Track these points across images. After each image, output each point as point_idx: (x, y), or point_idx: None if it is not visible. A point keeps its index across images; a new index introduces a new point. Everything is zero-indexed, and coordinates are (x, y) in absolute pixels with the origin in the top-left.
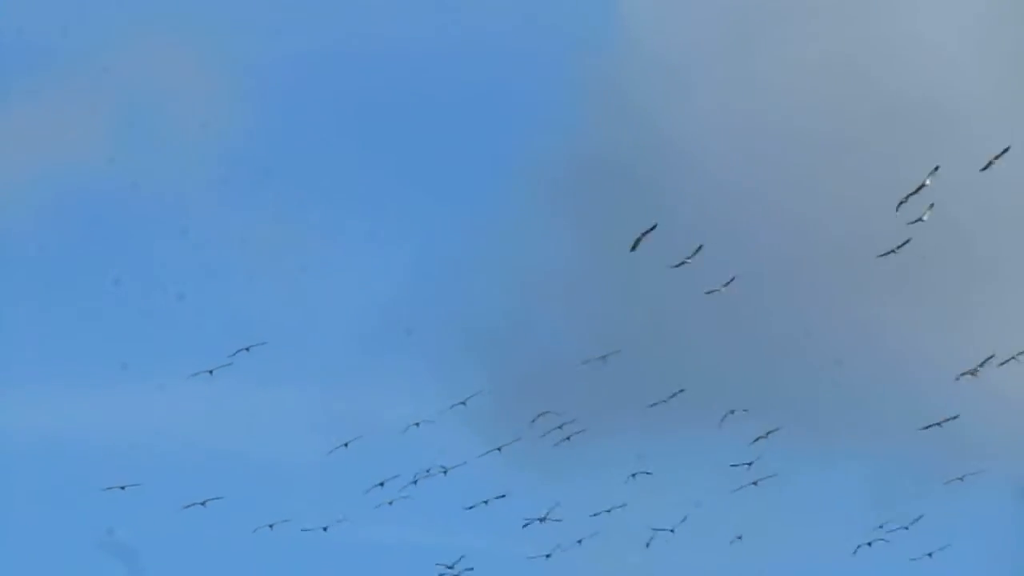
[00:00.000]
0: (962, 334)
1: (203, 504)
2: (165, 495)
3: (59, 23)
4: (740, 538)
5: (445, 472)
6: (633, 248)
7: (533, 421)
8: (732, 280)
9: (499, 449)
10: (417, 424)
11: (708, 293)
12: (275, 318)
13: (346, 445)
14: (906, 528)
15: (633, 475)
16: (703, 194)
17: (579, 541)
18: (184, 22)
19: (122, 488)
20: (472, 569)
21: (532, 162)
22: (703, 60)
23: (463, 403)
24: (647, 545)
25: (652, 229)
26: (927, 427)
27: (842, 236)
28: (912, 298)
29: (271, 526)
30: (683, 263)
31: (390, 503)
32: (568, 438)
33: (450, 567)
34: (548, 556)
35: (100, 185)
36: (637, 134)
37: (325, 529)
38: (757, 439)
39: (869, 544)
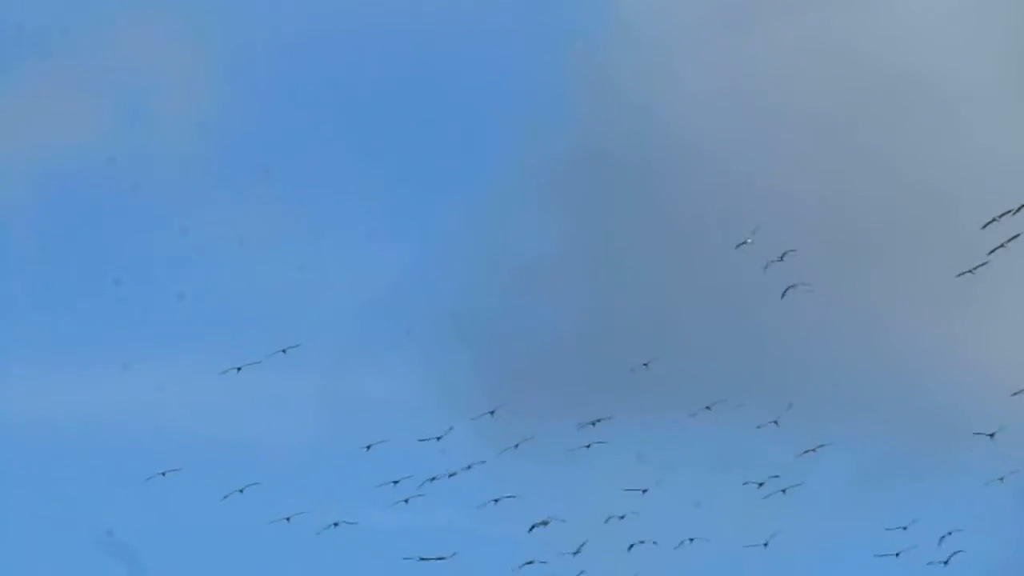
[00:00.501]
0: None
1: (241, 491)
2: (178, 487)
3: (59, 21)
4: (766, 544)
5: (452, 475)
6: (737, 246)
7: (580, 427)
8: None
9: (516, 446)
10: (439, 438)
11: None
12: (275, 314)
13: (368, 448)
14: (949, 535)
15: (644, 491)
16: (699, 180)
17: (575, 552)
18: (180, 18)
19: (163, 475)
20: (451, 556)
21: (527, 152)
22: (696, 45)
23: (491, 412)
24: (628, 549)
25: (754, 232)
26: (977, 434)
27: (846, 222)
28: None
29: (288, 519)
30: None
31: (406, 501)
32: (588, 446)
33: (430, 559)
34: (544, 563)
35: (100, 184)
36: (631, 121)
37: (336, 524)
38: (805, 452)
39: (896, 555)
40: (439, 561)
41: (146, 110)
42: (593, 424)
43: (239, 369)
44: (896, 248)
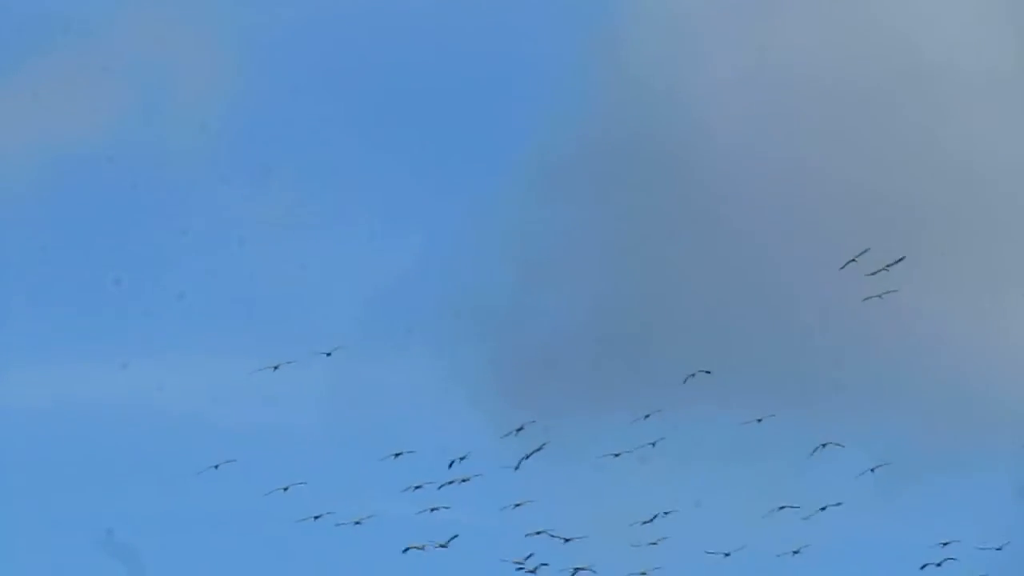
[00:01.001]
0: None
1: (285, 490)
2: (184, 485)
3: (60, 16)
4: (797, 552)
5: (464, 480)
6: (842, 267)
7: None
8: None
9: (539, 448)
10: (462, 458)
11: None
12: (289, 310)
13: (396, 455)
14: (999, 550)
15: (666, 513)
16: (724, 166)
17: (576, 571)
18: (179, 19)
19: (216, 467)
20: (452, 539)
21: (546, 139)
22: (719, 26)
23: (518, 430)
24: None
25: (863, 253)
26: None
27: (878, 205)
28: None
29: (316, 518)
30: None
31: (432, 510)
32: (617, 455)
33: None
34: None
35: (100, 183)
36: (653, 106)
37: (358, 523)
38: (869, 470)
39: (938, 565)
40: (440, 548)
41: (147, 110)
42: (646, 417)
43: (276, 368)
44: (932, 232)
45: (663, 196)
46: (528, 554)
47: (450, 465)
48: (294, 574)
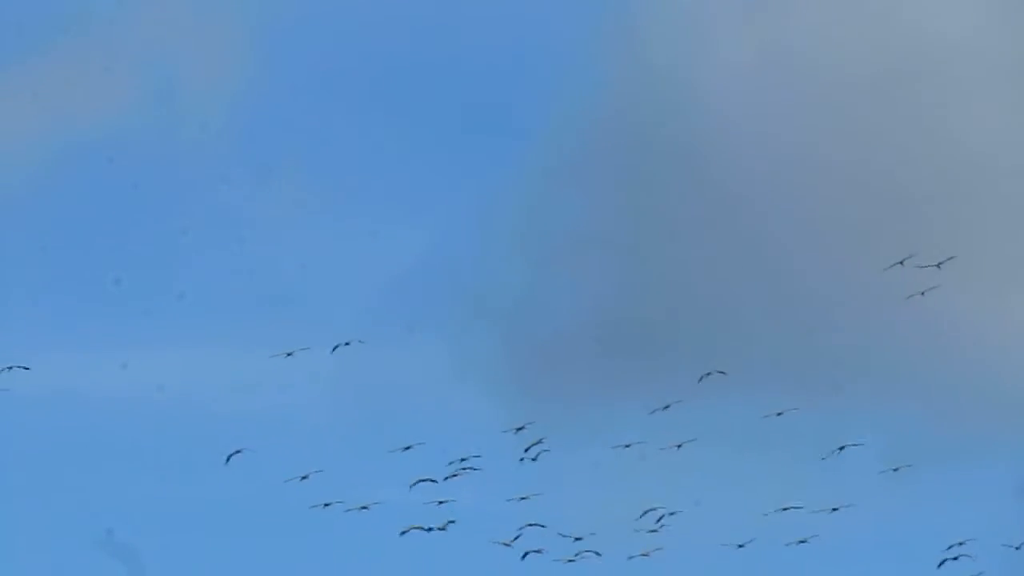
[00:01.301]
0: None
1: (304, 478)
2: (206, 480)
3: (54, 18)
4: (804, 542)
5: (466, 469)
6: (888, 267)
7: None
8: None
9: (539, 442)
10: (463, 459)
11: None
12: (280, 309)
13: (406, 449)
14: (1017, 549)
15: (672, 513)
16: (731, 157)
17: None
18: (182, 18)
19: (235, 454)
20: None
21: (550, 132)
22: (733, 11)
23: (520, 429)
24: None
25: (909, 257)
26: None
27: (892, 191)
28: None
29: (326, 505)
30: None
31: (440, 503)
32: (628, 445)
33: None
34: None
35: (101, 182)
36: (666, 93)
37: (364, 508)
38: (892, 469)
39: (955, 559)
40: (439, 531)
41: (148, 109)
42: (665, 408)
43: (290, 354)
44: (948, 228)
45: (675, 187)
46: (516, 537)
47: (463, 460)
48: (301, 564)
